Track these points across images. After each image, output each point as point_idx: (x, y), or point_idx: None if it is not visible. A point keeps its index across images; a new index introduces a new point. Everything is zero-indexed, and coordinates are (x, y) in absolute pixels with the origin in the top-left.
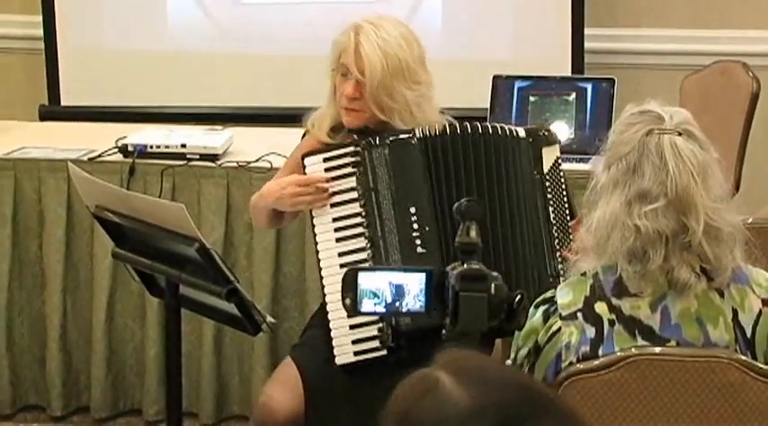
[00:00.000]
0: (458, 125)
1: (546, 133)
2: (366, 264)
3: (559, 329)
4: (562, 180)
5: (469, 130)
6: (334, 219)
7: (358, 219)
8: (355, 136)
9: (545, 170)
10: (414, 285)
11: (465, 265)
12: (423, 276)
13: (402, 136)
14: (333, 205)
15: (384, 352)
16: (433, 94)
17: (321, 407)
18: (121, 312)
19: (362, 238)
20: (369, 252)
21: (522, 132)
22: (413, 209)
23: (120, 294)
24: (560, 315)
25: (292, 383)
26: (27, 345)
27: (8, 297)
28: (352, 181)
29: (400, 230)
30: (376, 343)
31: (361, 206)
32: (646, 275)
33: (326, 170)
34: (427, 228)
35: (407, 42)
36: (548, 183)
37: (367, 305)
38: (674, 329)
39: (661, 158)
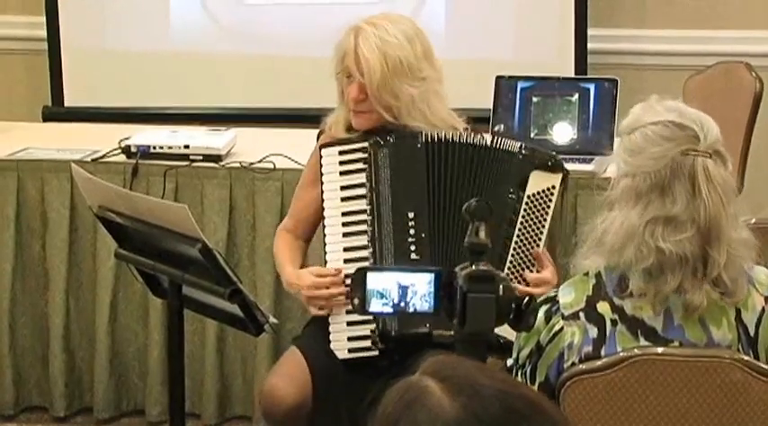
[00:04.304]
0: (462, 132)
1: (545, 157)
2: (366, 263)
3: (561, 329)
4: (548, 209)
5: (466, 140)
6: (344, 213)
7: (364, 216)
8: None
9: (527, 192)
10: (422, 285)
11: (473, 266)
12: (431, 276)
13: (408, 138)
14: (343, 199)
15: (376, 353)
16: (442, 90)
17: (327, 392)
18: (124, 312)
19: (365, 236)
20: (369, 250)
21: (519, 149)
22: (411, 214)
23: (123, 294)
24: (562, 314)
25: (297, 370)
26: (30, 346)
27: (11, 298)
28: (362, 177)
29: (396, 234)
30: (368, 343)
31: (368, 203)
32: (658, 295)
33: (341, 163)
34: (423, 236)
35: (409, 39)
36: (525, 206)
37: (375, 305)
38: (677, 330)
39: (694, 184)
